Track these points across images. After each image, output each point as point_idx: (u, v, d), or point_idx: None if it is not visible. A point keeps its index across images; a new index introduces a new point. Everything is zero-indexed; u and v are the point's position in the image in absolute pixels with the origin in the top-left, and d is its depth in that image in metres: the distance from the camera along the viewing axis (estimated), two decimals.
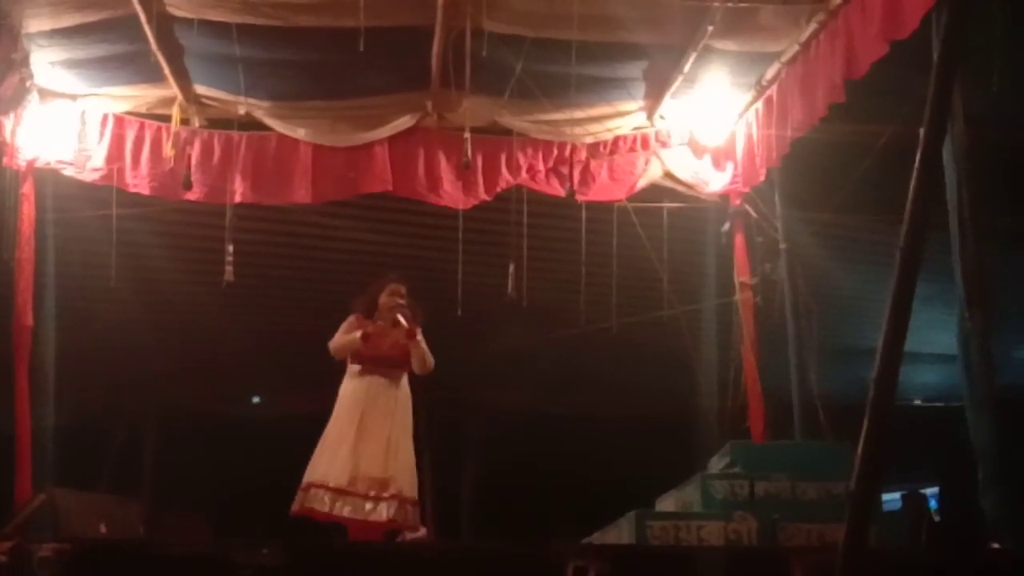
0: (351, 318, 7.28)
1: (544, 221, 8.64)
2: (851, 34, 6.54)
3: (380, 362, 7.13)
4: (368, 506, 6.79)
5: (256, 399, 13.97)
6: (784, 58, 7.44)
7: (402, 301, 7.19)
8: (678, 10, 7.08)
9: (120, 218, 8.11)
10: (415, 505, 6.99)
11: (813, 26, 7.02)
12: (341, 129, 8.17)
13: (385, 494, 6.81)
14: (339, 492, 6.83)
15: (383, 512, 6.76)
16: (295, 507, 6.93)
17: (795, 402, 8.12)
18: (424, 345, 7.14)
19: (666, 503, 6.68)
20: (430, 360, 7.15)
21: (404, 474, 6.94)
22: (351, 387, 7.18)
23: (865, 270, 10.05)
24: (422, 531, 7.38)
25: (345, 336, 7.20)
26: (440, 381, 7.35)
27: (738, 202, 8.48)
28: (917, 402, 13.68)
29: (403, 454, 7.02)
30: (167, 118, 7.98)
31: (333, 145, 8.16)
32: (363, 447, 6.92)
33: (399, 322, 7.13)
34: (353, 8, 6.73)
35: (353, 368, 7.20)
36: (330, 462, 6.93)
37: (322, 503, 6.82)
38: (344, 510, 6.79)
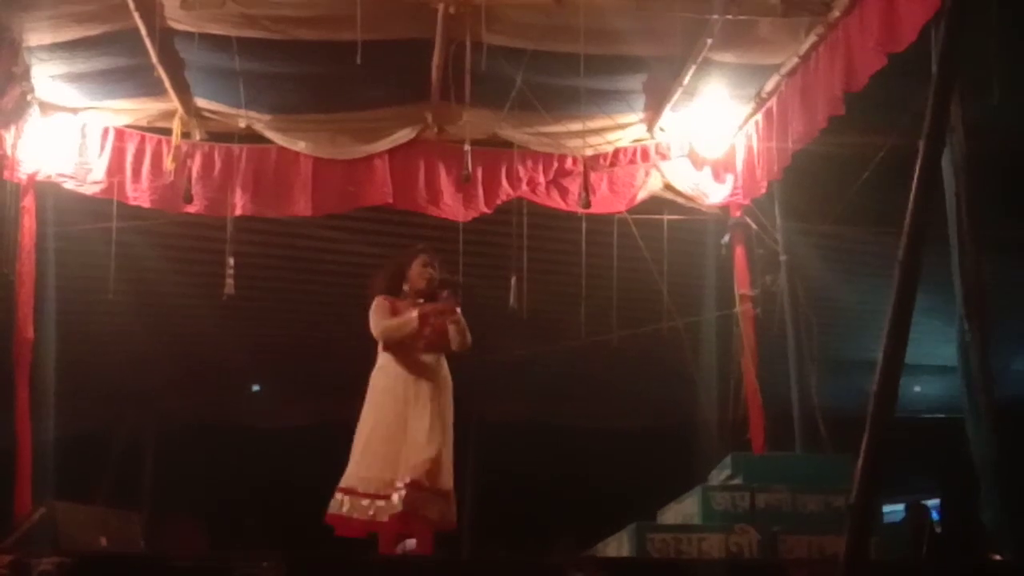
0: (380, 300, 6.80)
1: (544, 233, 8.65)
2: (850, 46, 6.56)
3: (420, 343, 6.69)
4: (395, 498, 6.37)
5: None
6: (784, 70, 7.45)
7: (434, 272, 6.85)
8: (677, 23, 7.08)
9: (120, 231, 8.11)
10: (447, 497, 6.52)
11: (812, 38, 7.03)
12: (341, 142, 8.18)
13: (402, 483, 6.37)
14: (377, 497, 6.43)
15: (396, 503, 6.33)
16: (332, 511, 6.53)
17: (795, 414, 8.11)
18: (463, 321, 6.75)
19: (666, 515, 6.67)
20: (469, 337, 6.75)
21: (441, 462, 6.50)
22: (389, 375, 6.69)
23: (865, 282, 10.05)
24: (411, 542, 7.30)
25: (395, 319, 6.70)
26: None
27: (738, 214, 8.49)
28: (918, 399, 13.66)
29: (443, 442, 6.56)
30: (168, 131, 7.98)
31: (333, 158, 8.17)
32: (409, 444, 6.47)
33: (439, 296, 6.71)
34: (353, 21, 6.72)
35: (387, 354, 6.75)
36: (373, 463, 6.50)
37: (363, 511, 6.43)
38: (384, 514, 6.38)
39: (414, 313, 6.68)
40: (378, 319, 6.76)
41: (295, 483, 12.81)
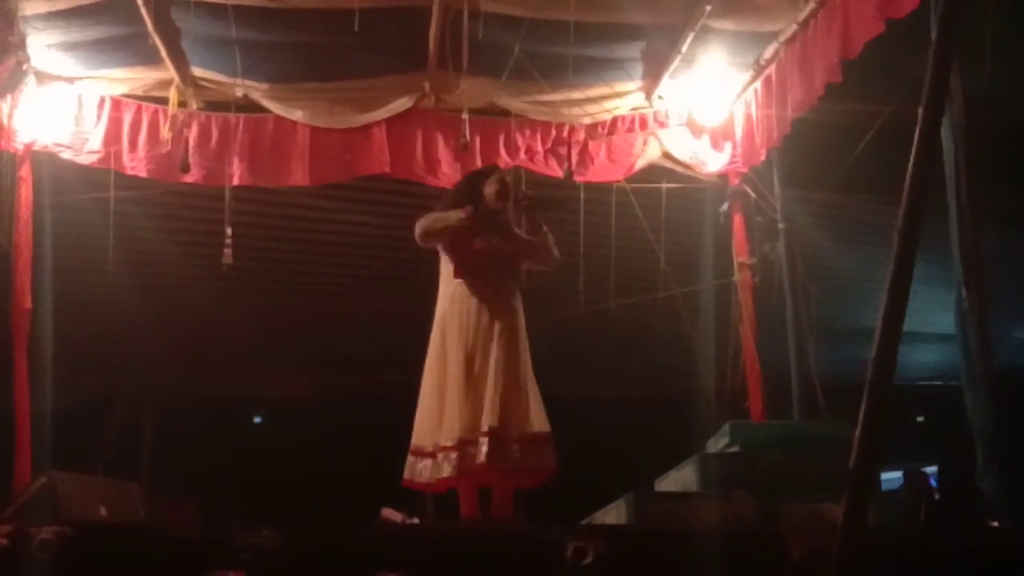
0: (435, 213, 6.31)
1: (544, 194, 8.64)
2: (848, 13, 6.53)
3: (488, 266, 6.23)
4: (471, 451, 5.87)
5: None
6: (782, 37, 7.42)
7: (510, 185, 6.42)
8: None
9: (118, 201, 8.10)
10: (535, 442, 6.00)
11: (811, 5, 7.00)
12: (339, 111, 8.15)
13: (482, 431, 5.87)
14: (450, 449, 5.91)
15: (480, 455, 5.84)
16: (407, 476, 6.08)
17: (794, 382, 8.13)
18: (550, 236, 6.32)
19: (664, 484, 6.68)
20: (556, 251, 6.34)
21: (511, 406, 5.98)
22: (452, 312, 6.16)
23: (864, 250, 10.05)
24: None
25: (441, 215, 6.22)
26: None
27: (736, 182, 8.48)
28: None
29: (513, 383, 6.05)
30: (164, 100, 7.95)
31: (331, 127, 8.14)
32: (477, 390, 5.97)
33: (526, 211, 6.25)
34: None
35: (452, 284, 6.25)
36: (440, 419, 5.98)
37: (436, 470, 5.95)
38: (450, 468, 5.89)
39: (460, 213, 6.18)
40: (427, 221, 6.27)
41: (293, 453, 12.89)
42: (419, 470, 6.08)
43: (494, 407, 5.96)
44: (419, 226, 6.31)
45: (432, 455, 6.04)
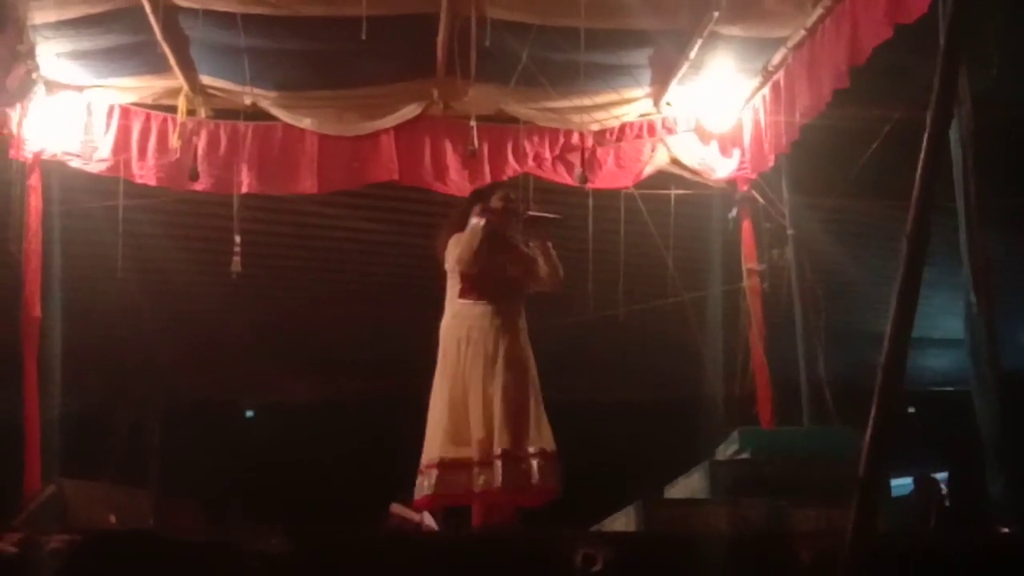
0: (456, 236, 6.37)
1: (550, 209, 8.64)
2: (856, 19, 6.53)
3: (494, 286, 6.30)
4: (480, 475, 5.97)
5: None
6: (790, 43, 7.42)
7: (513, 203, 6.45)
8: None
9: (127, 209, 8.11)
10: (547, 458, 6.09)
11: (819, 11, 7.01)
12: (347, 119, 8.16)
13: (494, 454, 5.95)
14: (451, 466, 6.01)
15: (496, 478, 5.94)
16: (417, 496, 6.17)
17: (803, 387, 8.11)
18: (554, 253, 6.34)
19: (674, 490, 6.67)
20: (561, 270, 6.38)
21: (522, 426, 6.06)
22: (454, 329, 6.25)
23: (872, 255, 10.05)
24: (425, 518, 7.26)
25: (467, 240, 6.21)
26: None
27: (745, 188, 8.47)
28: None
29: (522, 403, 6.12)
30: (173, 109, 7.97)
31: (339, 135, 8.15)
32: (475, 404, 6.05)
33: (530, 227, 6.32)
34: None
35: (456, 303, 6.33)
36: (443, 434, 6.06)
37: (418, 489, 6.08)
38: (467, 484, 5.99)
39: (479, 221, 6.19)
40: (452, 251, 6.32)
41: (300, 458, 12.89)
42: (415, 489, 6.19)
43: (503, 429, 6.05)
44: (455, 257, 6.34)
45: (421, 472, 6.16)
